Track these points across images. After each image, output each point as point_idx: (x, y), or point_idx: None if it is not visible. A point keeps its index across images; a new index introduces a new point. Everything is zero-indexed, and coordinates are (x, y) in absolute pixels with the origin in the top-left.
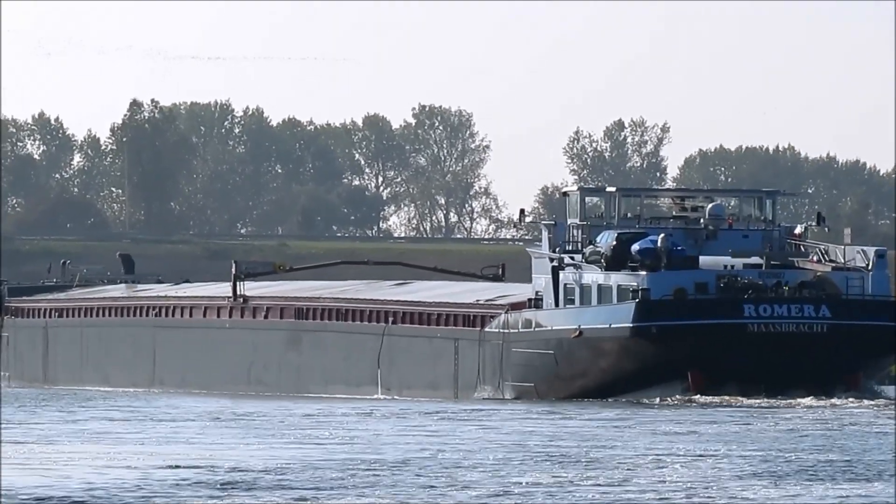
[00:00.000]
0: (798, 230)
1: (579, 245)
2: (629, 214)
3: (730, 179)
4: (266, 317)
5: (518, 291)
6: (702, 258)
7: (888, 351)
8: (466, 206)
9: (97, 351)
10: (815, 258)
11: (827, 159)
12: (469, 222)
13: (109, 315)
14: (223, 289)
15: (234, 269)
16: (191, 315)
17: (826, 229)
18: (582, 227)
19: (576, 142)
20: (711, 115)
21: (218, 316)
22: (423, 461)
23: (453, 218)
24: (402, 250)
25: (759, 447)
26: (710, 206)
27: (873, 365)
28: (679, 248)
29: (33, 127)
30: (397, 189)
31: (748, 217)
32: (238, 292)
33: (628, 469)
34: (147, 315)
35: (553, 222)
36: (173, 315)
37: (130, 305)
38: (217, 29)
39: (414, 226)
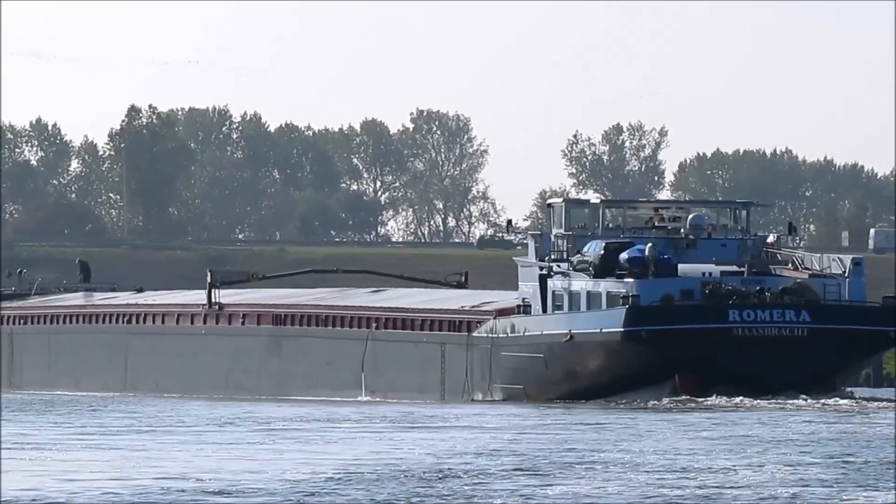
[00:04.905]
0: (771, 239)
1: (565, 254)
2: (611, 225)
3: (727, 184)
4: (243, 323)
5: (498, 298)
6: (680, 266)
7: (865, 354)
8: (465, 210)
9: (66, 357)
10: (790, 266)
11: (825, 162)
12: (467, 227)
13: (79, 322)
14: (195, 296)
15: (209, 277)
16: (163, 322)
17: (798, 239)
18: (567, 237)
19: (574, 146)
20: (709, 119)
21: (192, 323)
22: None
23: (451, 222)
24: (401, 255)
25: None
26: (691, 216)
27: (851, 367)
28: (665, 256)
29: (31, 133)
30: (395, 194)
31: (724, 227)
32: (213, 300)
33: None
34: (118, 322)
35: (539, 232)
36: (145, 322)
37: (101, 313)
38: (215, 35)
39: (412, 230)
